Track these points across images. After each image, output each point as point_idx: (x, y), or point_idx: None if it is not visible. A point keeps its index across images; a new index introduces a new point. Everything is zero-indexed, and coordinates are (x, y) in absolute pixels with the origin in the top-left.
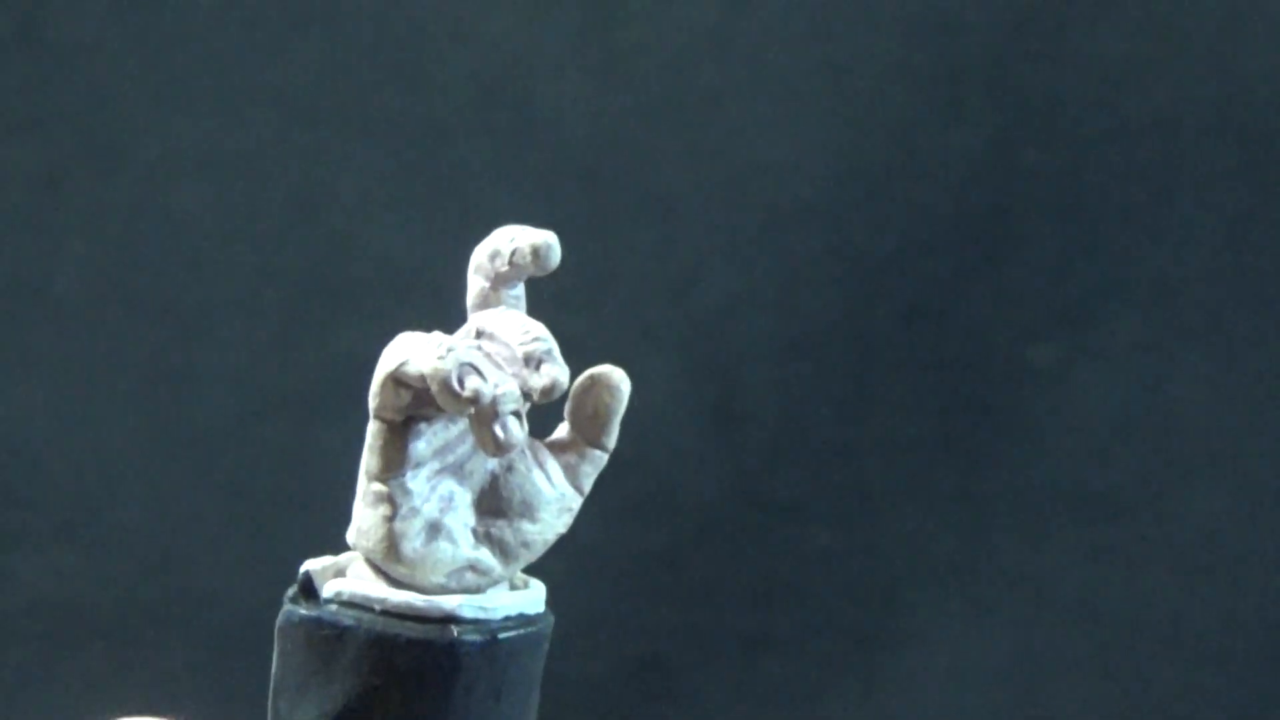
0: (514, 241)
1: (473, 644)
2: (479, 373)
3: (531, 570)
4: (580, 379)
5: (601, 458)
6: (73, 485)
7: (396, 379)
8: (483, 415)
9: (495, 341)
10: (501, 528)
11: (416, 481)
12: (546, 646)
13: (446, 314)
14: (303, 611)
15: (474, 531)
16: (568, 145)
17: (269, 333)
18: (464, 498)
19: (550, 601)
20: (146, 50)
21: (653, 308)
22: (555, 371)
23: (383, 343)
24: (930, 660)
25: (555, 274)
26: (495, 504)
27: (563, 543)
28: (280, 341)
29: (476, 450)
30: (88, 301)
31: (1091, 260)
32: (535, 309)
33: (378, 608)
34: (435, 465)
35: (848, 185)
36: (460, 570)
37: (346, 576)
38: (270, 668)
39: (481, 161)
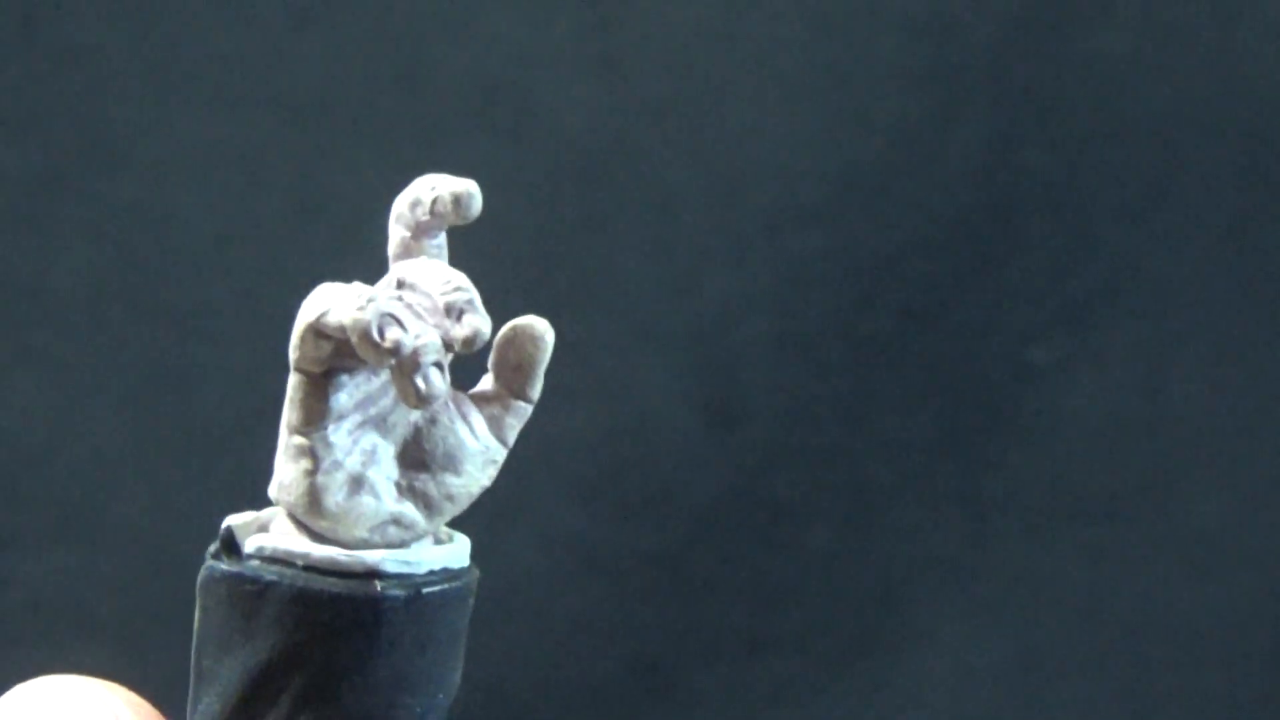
0: (434, 190)
1: (396, 598)
2: (399, 323)
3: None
4: (503, 330)
5: (526, 409)
6: (73, 485)
7: (316, 330)
8: (404, 366)
9: (416, 292)
10: (425, 481)
11: (338, 435)
12: (472, 601)
13: None
14: (224, 567)
15: (397, 485)
16: (568, 145)
17: (269, 333)
18: (387, 451)
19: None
20: (146, 50)
21: (653, 308)
22: (477, 322)
23: None
24: (930, 660)
25: (555, 274)
26: (418, 457)
27: (562, 542)
28: (280, 341)
29: (399, 403)
30: (87, 301)
31: (1091, 260)
32: (543, 309)
33: (300, 563)
34: (357, 418)
35: (848, 185)
36: (383, 524)
37: (269, 532)
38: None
39: (481, 161)
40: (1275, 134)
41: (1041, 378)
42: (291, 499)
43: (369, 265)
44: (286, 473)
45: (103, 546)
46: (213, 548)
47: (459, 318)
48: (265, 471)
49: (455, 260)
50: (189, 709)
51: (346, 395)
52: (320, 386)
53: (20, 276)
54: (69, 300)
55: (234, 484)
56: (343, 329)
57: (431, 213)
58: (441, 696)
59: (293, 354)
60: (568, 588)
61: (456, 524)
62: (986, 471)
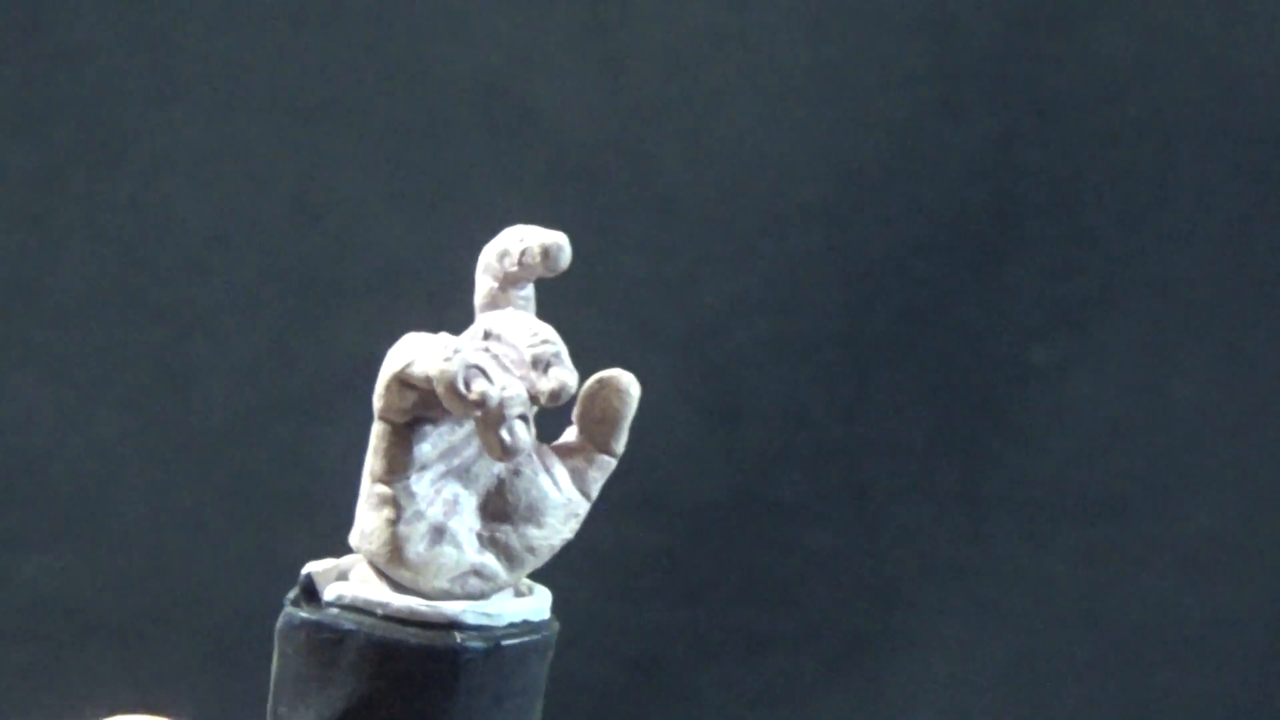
0: (523, 242)
1: (475, 650)
2: (485, 375)
3: (537, 575)
4: (589, 382)
5: (609, 463)
6: (73, 485)
7: (402, 380)
8: (489, 419)
9: (503, 343)
10: (507, 533)
11: (421, 485)
12: (551, 654)
13: (446, 313)
14: (303, 614)
15: (479, 536)
16: (568, 145)
17: (269, 333)
18: (469, 501)
19: (556, 607)
20: (146, 50)
21: (653, 308)
22: (563, 375)
23: (383, 342)
24: (930, 660)
25: (557, 276)
26: (501, 508)
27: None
28: (280, 341)
29: (483, 453)
30: (88, 301)
31: (1091, 260)
32: (543, 309)
33: (379, 612)
34: (440, 468)
35: (848, 185)
36: (464, 575)
37: (349, 580)
38: (270, 669)
39: (481, 161)
40: (1275, 134)
41: (1041, 378)
42: (373, 548)
43: (369, 265)
44: (368, 521)
45: (103, 546)
46: (292, 594)
47: (545, 370)
48: (265, 472)
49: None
50: None
51: (430, 445)
52: (404, 436)
53: (20, 276)
54: (69, 300)
55: (234, 484)
56: (428, 380)
57: (519, 264)
58: None
59: (377, 403)
60: (568, 588)
61: (537, 574)
62: (986, 471)
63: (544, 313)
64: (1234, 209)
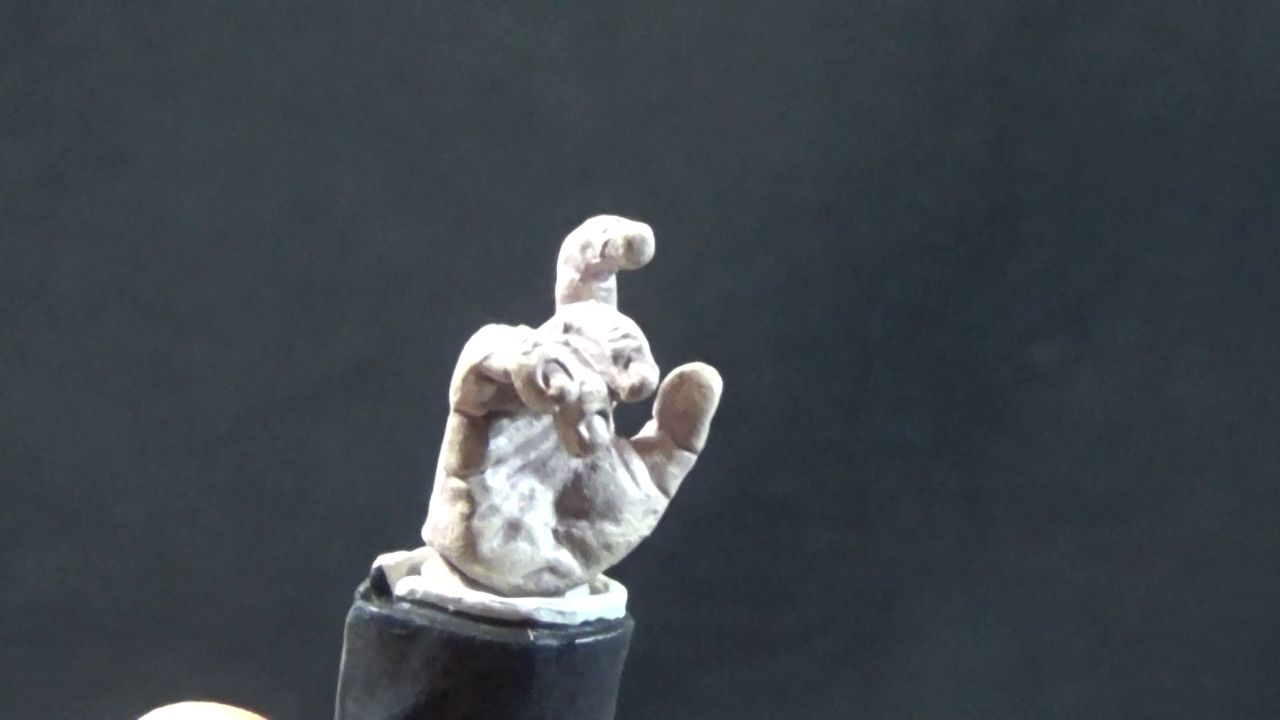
0: (606, 232)
1: (549, 649)
2: (565, 370)
3: (611, 572)
4: (670, 376)
5: (690, 459)
6: (73, 485)
7: (479, 373)
8: (568, 414)
9: (583, 337)
10: (583, 528)
11: (496, 478)
12: (625, 652)
13: (446, 314)
14: (374, 609)
15: (554, 532)
16: (568, 145)
17: (269, 333)
18: (545, 496)
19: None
20: (146, 50)
21: (653, 308)
22: (645, 370)
23: (383, 343)
24: (930, 660)
25: (555, 274)
26: (577, 504)
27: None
28: (280, 341)
29: (559, 447)
30: (88, 301)
31: (1091, 260)
32: (543, 309)
33: (452, 608)
34: (516, 462)
35: (847, 185)
36: (539, 571)
37: (420, 574)
38: (338, 663)
39: (481, 161)
40: (1275, 134)
41: (1042, 378)
42: (446, 542)
43: (369, 265)
44: (442, 515)
45: (103, 546)
46: (362, 588)
47: (626, 365)
48: (265, 472)
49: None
50: None
51: (506, 439)
52: (480, 429)
53: (20, 276)
54: (69, 300)
55: (234, 484)
56: (507, 373)
57: (602, 255)
58: None
59: (454, 395)
60: None
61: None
62: (986, 471)
63: (540, 313)
64: (1234, 209)
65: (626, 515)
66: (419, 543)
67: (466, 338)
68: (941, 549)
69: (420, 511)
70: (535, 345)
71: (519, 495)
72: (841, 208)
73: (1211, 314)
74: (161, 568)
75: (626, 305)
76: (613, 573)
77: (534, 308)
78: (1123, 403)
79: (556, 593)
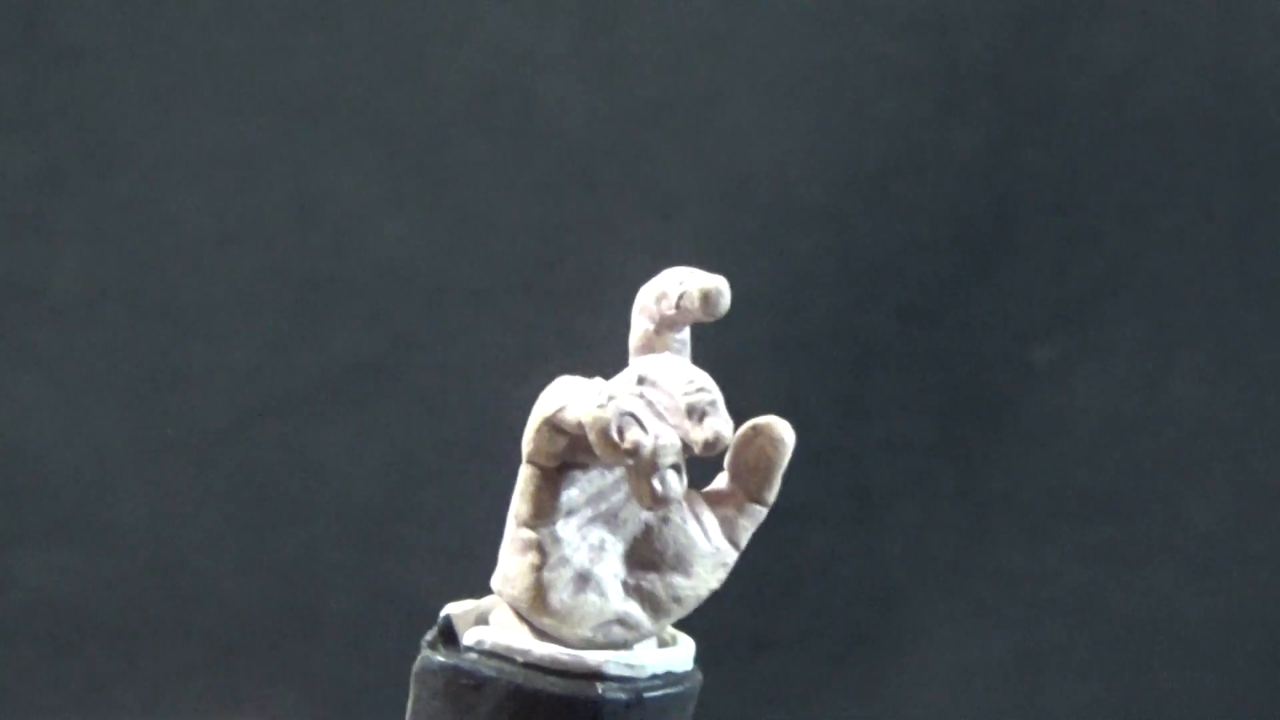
0: (682, 285)
1: (618, 702)
2: (639, 423)
3: (679, 624)
4: (742, 429)
5: (761, 512)
6: (73, 485)
7: (553, 424)
8: (641, 467)
9: (657, 390)
10: (653, 581)
11: (567, 530)
12: (693, 705)
13: (446, 314)
14: (441, 659)
15: (624, 584)
16: (568, 145)
17: (269, 333)
18: (615, 547)
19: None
20: (146, 50)
21: None
22: (718, 425)
23: (383, 343)
24: (930, 660)
25: (555, 274)
26: (648, 556)
27: None
28: (280, 341)
29: (631, 499)
30: (87, 301)
31: (1091, 260)
32: (541, 310)
33: (520, 659)
34: (588, 513)
35: (847, 185)
36: (608, 624)
37: (489, 624)
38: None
39: (481, 161)
40: (1275, 134)
41: (1041, 378)
42: (515, 593)
43: (369, 265)
44: (512, 565)
45: (103, 546)
46: (429, 636)
47: (700, 420)
48: (265, 472)
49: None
50: None
51: (578, 490)
52: (553, 480)
53: (20, 276)
54: (69, 300)
55: (234, 484)
56: (580, 425)
57: (677, 308)
58: None
59: (526, 446)
60: None
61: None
62: (986, 471)
63: (541, 313)
64: (1234, 209)
65: (697, 569)
66: (417, 541)
67: (467, 338)
68: (941, 549)
69: (419, 512)
70: (610, 398)
71: (589, 546)
72: (841, 208)
73: (1211, 314)
74: (161, 568)
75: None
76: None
77: (534, 308)
78: (1123, 403)
79: (625, 645)
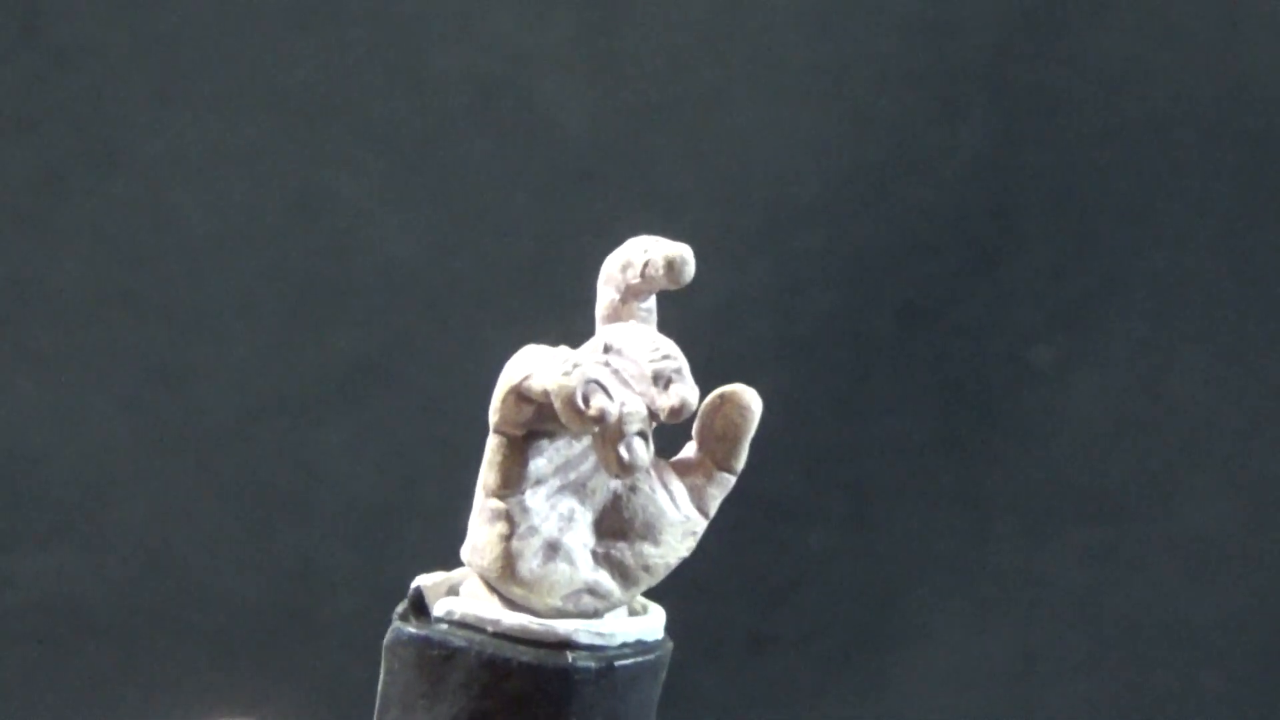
0: (647, 253)
1: (588, 671)
2: (605, 390)
3: (648, 593)
4: (709, 398)
5: (729, 480)
6: (73, 485)
7: (519, 393)
8: (608, 434)
9: (623, 358)
10: (622, 550)
11: (536, 499)
12: (664, 674)
13: (446, 314)
14: (412, 630)
15: (593, 553)
16: (568, 145)
17: (269, 333)
18: (584, 517)
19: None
20: (146, 50)
21: None
22: (684, 391)
23: (383, 343)
24: (930, 660)
25: (555, 274)
26: (617, 525)
27: None
28: (280, 341)
29: (599, 468)
30: (88, 301)
31: (1091, 260)
32: (540, 310)
33: (490, 629)
34: (556, 483)
35: (848, 185)
36: (578, 592)
37: (459, 595)
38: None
39: (481, 161)
40: (1275, 134)
41: (1041, 378)
42: (485, 563)
43: (369, 265)
44: (480, 535)
45: (103, 546)
46: (400, 608)
47: (666, 386)
48: (265, 472)
49: (454, 250)
50: None
51: (546, 459)
52: (520, 449)
53: (20, 277)
54: (69, 300)
55: (234, 484)
56: (546, 394)
57: (642, 276)
58: None
59: (493, 416)
60: None
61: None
62: (986, 471)
63: (541, 313)
64: (1234, 209)
65: (665, 537)
66: (417, 541)
67: (467, 338)
68: (941, 549)
69: (419, 512)
70: (575, 366)
71: (558, 516)
72: (841, 208)
73: (1211, 314)
74: (161, 568)
75: None
76: (650, 594)
77: (534, 308)
78: (1123, 403)
79: (595, 614)
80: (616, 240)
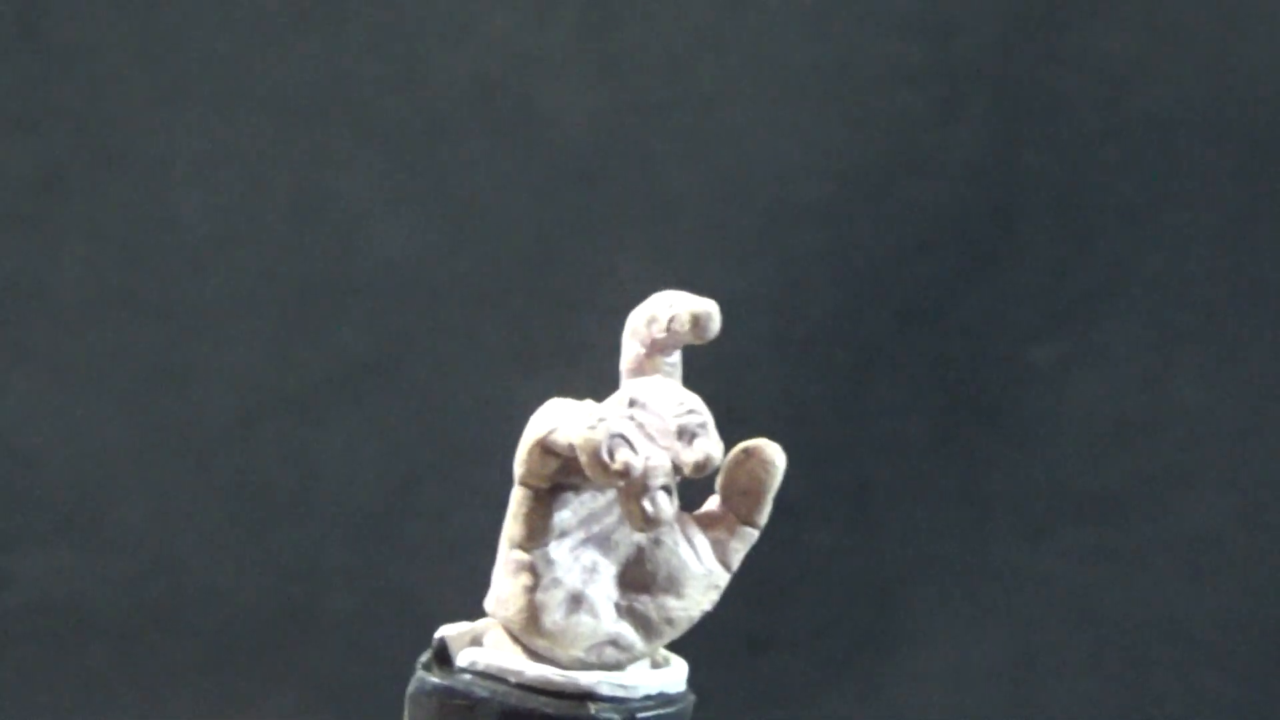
0: (672, 308)
1: None
2: (630, 445)
3: (671, 645)
4: (733, 452)
5: (752, 534)
6: (73, 485)
7: (545, 446)
8: (632, 489)
9: (648, 412)
10: (645, 603)
11: (560, 551)
12: None
13: (446, 314)
14: (435, 680)
15: (616, 605)
16: (568, 145)
17: (269, 333)
18: (608, 569)
19: (691, 680)
20: (146, 50)
21: None
22: (709, 446)
23: (383, 343)
24: (930, 660)
25: (555, 274)
26: (640, 578)
27: None
28: (280, 341)
29: (623, 521)
30: (88, 301)
31: (1091, 260)
32: (541, 311)
33: (513, 680)
34: (580, 535)
35: (848, 185)
36: (600, 645)
37: (483, 645)
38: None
39: (481, 161)
40: (1275, 134)
41: (1041, 378)
42: (509, 614)
43: (369, 265)
44: (505, 587)
45: (103, 546)
46: (424, 658)
47: (690, 441)
48: (265, 472)
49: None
50: None
51: (570, 512)
52: (545, 502)
53: (20, 276)
54: (69, 300)
55: (234, 484)
56: (572, 447)
57: (668, 330)
58: None
59: (518, 468)
60: None
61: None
62: (986, 471)
63: (542, 313)
64: (1234, 209)
65: (688, 590)
66: (417, 541)
67: (467, 338)
68: (941, 549)
69: (419, 512)
70: (601, 420)
71: (582, 568)
72: (841, 208)
73: (1211, 314)
74: (161, 568)
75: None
76: (672, 646)
77: (534, 307)
78: (1123, 403)
79: (618, 666)
80: (617, 240)
